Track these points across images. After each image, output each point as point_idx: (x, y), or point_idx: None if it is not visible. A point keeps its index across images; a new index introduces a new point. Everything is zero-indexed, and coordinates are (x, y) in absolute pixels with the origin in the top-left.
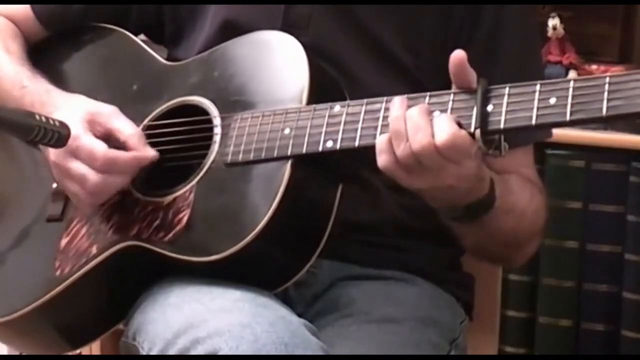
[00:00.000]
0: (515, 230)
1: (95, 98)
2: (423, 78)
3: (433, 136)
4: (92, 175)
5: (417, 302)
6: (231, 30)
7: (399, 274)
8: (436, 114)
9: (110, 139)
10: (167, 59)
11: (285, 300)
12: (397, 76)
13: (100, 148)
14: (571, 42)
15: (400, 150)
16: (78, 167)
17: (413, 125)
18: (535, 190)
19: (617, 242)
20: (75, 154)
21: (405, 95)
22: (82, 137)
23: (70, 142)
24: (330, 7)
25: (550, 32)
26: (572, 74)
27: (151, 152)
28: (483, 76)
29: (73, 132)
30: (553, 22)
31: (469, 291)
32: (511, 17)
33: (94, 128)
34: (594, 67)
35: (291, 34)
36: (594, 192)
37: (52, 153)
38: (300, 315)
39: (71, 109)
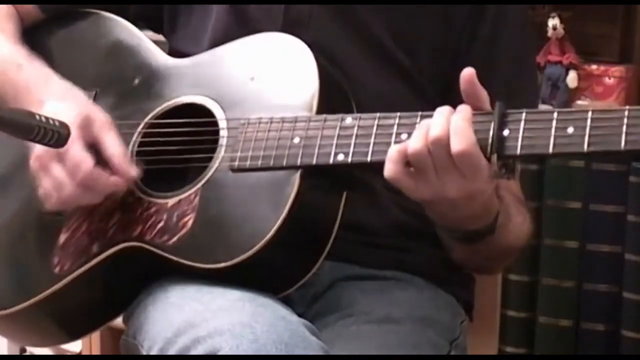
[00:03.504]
0: (503, 251)
1: (96, 91)
2: (423, 80)
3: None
4: (69, 186)
5: (417, 303)
6: (236, 20)
7: (399, 274)
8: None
9: (97, 150)
10: (169, 50)
11: (286, 300)
12: (397, 77)
13: (86, 163)
14: (571, 42)
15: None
16: (59, 172)
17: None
18: (525, 213)
19: (617, 242)
20: (61, 158)
21: (420, 113)
22: (73, 145)
23: None
24: (330, 7)
25: (550, 32)
26: (572, 74)
27: (133, 172)
28: (480, 82)
29: None
30: (553, 22)
31: (469, 291)
32: (510, 28)
33: (85, 134)
34: (594, 67)
35: (292, 31)
36: (594, 192)
37: (40, 148)
38: (300, 316)
39: (66, 108)
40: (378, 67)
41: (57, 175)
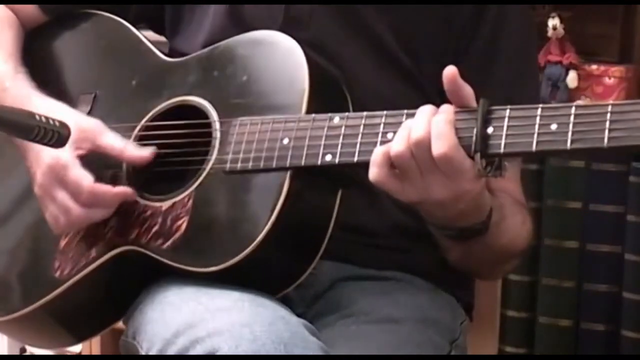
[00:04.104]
0: (500, 252)
1: (95, 92)
2: (424, 80)
3: (430, 139)
4: (75, 209)
5: (417, 303)
6: (233, 21)
7: (399, 274)
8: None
9: (100, 155)
10: (169, 51)
11: (285, 300)
12: (398, 77)
13: (86, 182)
14: (571, 42)
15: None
16: (63, 198)
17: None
18: (526, 215)
19: (617, 242)
20: (63, 184)
21: (405, 111)
22: (70, 168)
23: (58, 169)
24: (331, 6)
25: (550, 32)
26: (572, 74)
27: (146, 153)
28: (478, 85)
29: (61, 160)
30: (553, 22)
31: (469, 291)
32: (511, 28)
33: (80, 148)
34: (594, 67)
35: (292, 29)
36: (594, 192)
37: (41, 176)
38: (300, 316)
39: None
40: (379, 67)
41: (61, 200)
